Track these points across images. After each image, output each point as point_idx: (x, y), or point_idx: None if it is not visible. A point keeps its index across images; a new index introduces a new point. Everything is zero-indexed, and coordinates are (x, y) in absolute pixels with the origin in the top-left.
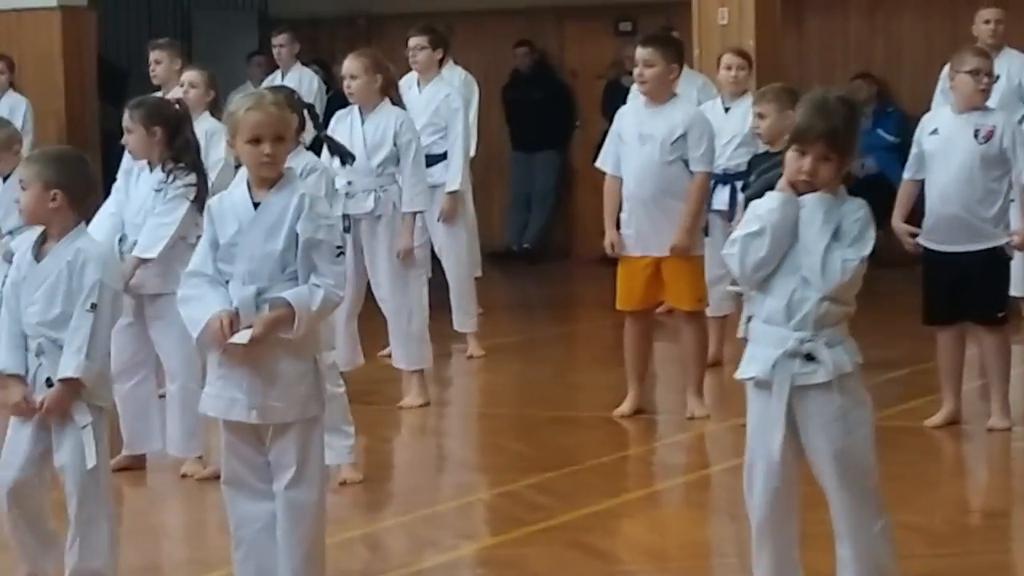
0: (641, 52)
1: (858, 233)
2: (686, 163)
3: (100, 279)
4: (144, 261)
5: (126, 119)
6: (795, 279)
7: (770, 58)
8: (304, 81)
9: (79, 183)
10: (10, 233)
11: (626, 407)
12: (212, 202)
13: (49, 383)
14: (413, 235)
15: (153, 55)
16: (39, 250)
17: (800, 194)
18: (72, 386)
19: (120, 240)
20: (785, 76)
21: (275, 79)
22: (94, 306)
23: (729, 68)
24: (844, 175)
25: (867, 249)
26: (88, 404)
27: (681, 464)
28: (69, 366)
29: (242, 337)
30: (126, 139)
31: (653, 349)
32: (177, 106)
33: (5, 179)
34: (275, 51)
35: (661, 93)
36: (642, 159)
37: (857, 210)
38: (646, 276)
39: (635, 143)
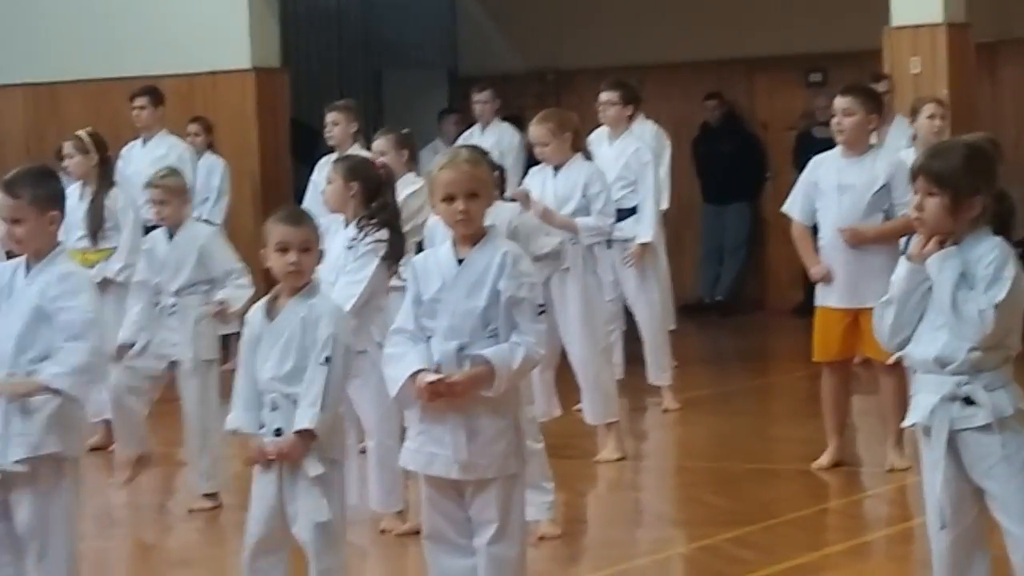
0: (840, 101)
1: (992, 277)
2: (886, 214)
3: (333, 333)
4: None
5: (329, 171)
6: (943, 332)
7: (965, 106)
8: (504, 136)
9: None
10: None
11: (825, 459)
12: (417, 259)
13: (277, 433)
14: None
15: (330, 117)
16: (271, 308)
17: (922, 243)
18: (306, 438)
19: None
20: (979, 125)
21: (473, 135)
22: (328, 359)
23: (932, 117)
24: (978, 216)
25: (1002, 293)
26: (320, 457)
27: (883, 517)
28: (305, 418)
29: (431, 377)
30: (324, 188)
31: (851, 401)
32: (381, 169)
33: (171, 236)
34: (476, 108)
35: (859, 142)
36: (841, 210)
37: (990, 252)
38: (843, 327)
39: (833, 193)
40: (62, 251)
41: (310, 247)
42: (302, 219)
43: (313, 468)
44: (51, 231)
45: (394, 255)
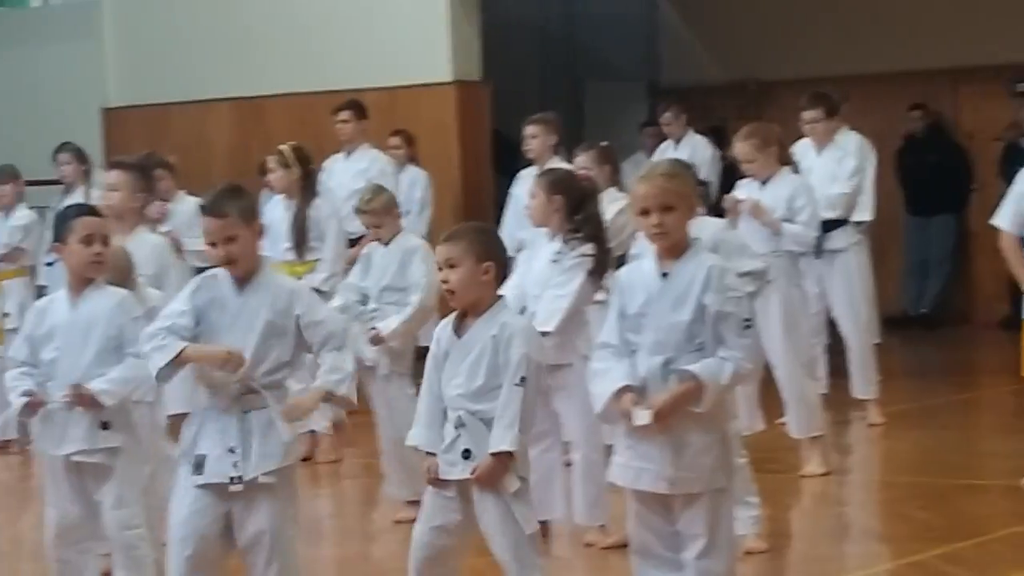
0: None
1: None
2: None
3: (526, 353)
4: (544, 334)
5: (532, 185)
6: None
7: None
8: (698, 150)
9: (504, 255)
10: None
11: None
12: (621, 272)
13: (466, 454)
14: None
15: (529, 130)
16: (459, 325)
17: None
18: (504, 460)
19: (522, 312)
20: None
21: (668, 149)
22: (523, 380)
23: None
24: None
25: None
26: (514, 474)
27: None
28: (504, 440)
29: (642, 418)
30: (528, 203)
31: None
32: (584, 182)
33: (387, 244)
34: (664, 128)
35: None
36: None
37: None
38: None
39: None
40: (268, 263)
41: (674, 206)
42: (663, 177)
43: (511, 484)
44: (258, 244)
45: (599, 269)
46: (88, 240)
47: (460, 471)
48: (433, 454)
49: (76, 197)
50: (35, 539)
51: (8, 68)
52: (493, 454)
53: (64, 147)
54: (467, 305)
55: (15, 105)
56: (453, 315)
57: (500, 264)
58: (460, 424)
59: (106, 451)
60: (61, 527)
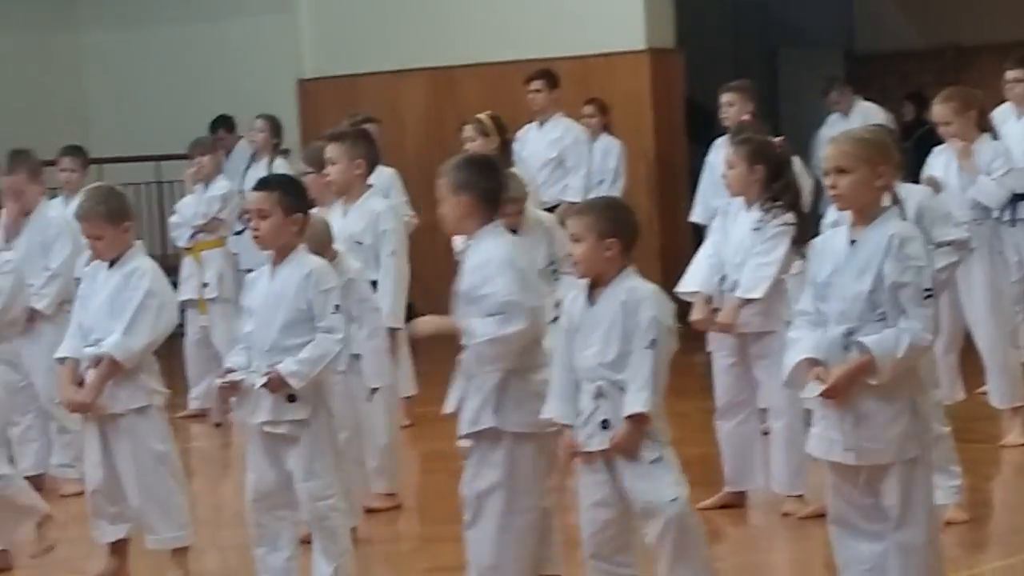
0: None
1: None
2: None
3: (655, 315)
4: (747, 301)
5: (729, 155)
6: None
7: None
8: (869, 117)
9: (631, 230)
10: None
11: None
12: (817, 240)
13: (604, 425)
14: None
15: (725, 97)
16: (590, 295)
17: None
18: (640, 422)
19: (721, 280)
20: None
21: (837, 122)
22: (653, 342)
23: None
24: None
25: None
26: (653, 440)
27: None
28: (637, 402)
29: (816, 391)
30: (725, 172)
31: None
32: (780, 149)
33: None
34: (831, 105)
35: None
36: None
37: None
38: None
39: None
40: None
41: (846, 168)
42: (848, 141)
43: (649, 452)
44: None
45: (801, 237)
46: (86, 236)
47: (599, 442)
48: (569, 427)
49: (260, 168)
50: (235, 506)
51: (205, 41)
52: (627, 418)
53: (262, 117)
54: (593, 277)
55: (212, 78)
56: (583, 285)
57: (626, 240)
58: (599, 395)
59: (293, 423)
60: (258, 493)
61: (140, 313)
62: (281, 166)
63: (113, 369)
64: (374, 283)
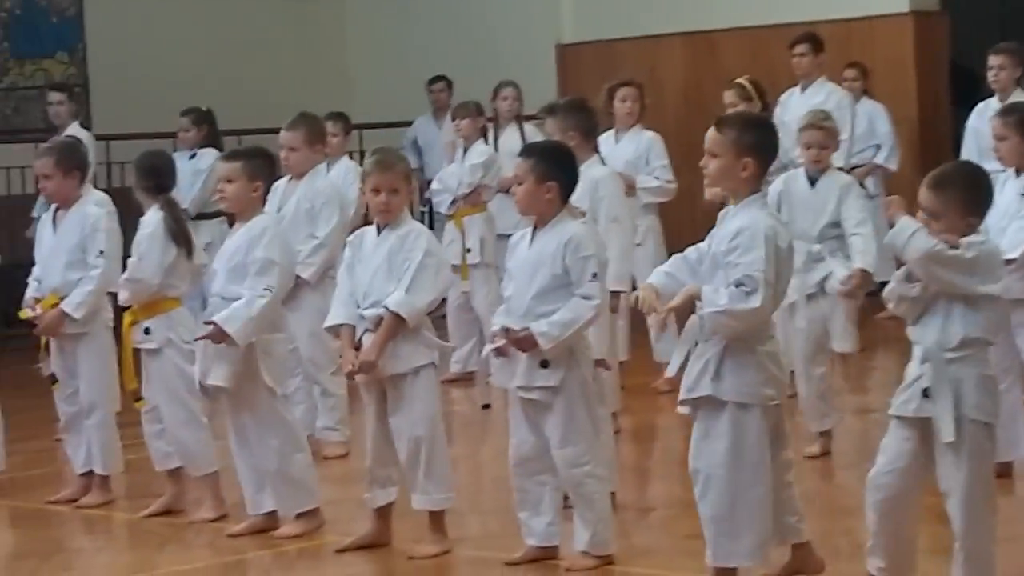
0: None
1: None
2: None
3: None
4: (1008, 262)
5: (996, 126)
6: None
7: None
8: None
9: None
10: None
11: None
12: None
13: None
14: None
15: (993, 60)
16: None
17: None
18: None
19: None
20: None
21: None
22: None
23: None
24: None
25: None
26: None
27: None
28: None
29: None
30: (996, 145)
31: None
32: None
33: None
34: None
35: None
36: None
37: None
38: None
39: None
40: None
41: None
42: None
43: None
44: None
45: None
46: (375, 190)
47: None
48: None
49: (509, 134)
50: (494, 470)
51: (465, 8)
52: None
53: (509, 84)
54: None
55: (472, 44)
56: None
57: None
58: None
59: (544, 389)
60: (518, 456)
61: (421, 272)
62: (533, 133)
63: (397, 327)
64: None
